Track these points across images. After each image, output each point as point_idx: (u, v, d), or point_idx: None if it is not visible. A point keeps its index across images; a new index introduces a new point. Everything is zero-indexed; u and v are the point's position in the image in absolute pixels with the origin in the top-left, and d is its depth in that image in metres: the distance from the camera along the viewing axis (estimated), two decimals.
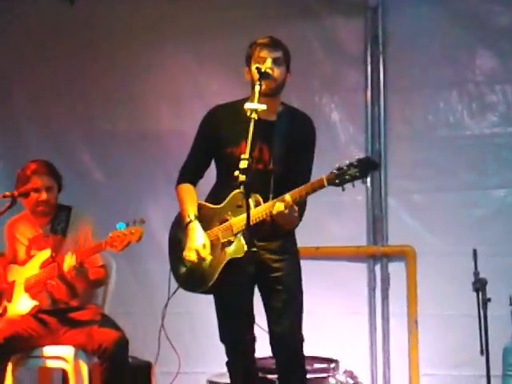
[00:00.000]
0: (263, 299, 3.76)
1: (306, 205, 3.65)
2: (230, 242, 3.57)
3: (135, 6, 5.71)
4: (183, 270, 3.76)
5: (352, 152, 5.36)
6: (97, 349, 4.09)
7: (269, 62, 3.60)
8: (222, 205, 3.66)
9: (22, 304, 4.31)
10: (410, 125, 5.32)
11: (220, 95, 5.50)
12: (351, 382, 4.80)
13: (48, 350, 4.29)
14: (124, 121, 5.84)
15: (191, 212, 3.70)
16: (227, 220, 3.61)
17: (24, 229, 4.47)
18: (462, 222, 5.15)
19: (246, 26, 5.46)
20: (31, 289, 4.31)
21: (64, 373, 4.39)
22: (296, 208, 3.46)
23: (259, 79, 3.51)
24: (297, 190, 3.43)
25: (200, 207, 3.74)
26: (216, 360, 4.12)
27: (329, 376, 4.44)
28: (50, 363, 4.30)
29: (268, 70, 3.57)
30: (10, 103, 5.97)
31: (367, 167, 3.32)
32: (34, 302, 4.30)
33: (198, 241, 3.60)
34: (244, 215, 3.31)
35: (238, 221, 3.54)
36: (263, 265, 3.67)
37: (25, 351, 4.27)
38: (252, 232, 3.34)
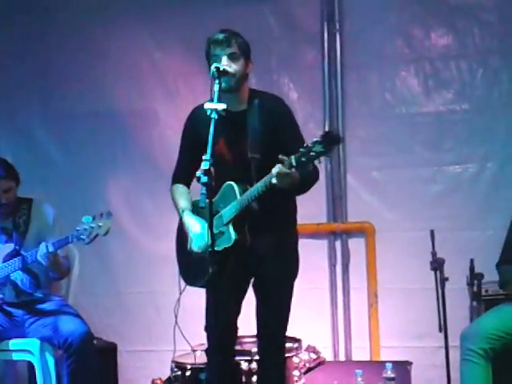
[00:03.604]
0: (256, 291, 3.83)
1: (316, 173, 3.68)
2: (221, 233, 3.59)
3: None
4: (186, 265, 3.83)
5: (311, 130, 5.38)
6: (62, 343, 4.10)
7: (224, 60, 3.58)
8: (215, 198, 3.65)
9: None
10: (367, 102, 5.36)
11: (178, 73, 5.60)
12: (314, 357, 4.92)
13: (14, 344, 4.29)
14: (82, 100, 5.75)
15: (182, 205, 3.80)
16: (218, 212, 3.65)
17: None
18: (419, 199, 5.23)
19: (204, 2, 5.45)
20: None
21: (29, 365, 4.42)
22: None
23: (217, 78, 3.50)
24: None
25: (194, 204, 3.78)
26: (180, 339, 4.21)
27: (293, 355, 4.50)
28: (17, 356, 4.31)
29: (225, 68, 3.54)
30: None
31: (331, 142, 3.29)
32: None
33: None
34: (232, 204, 3.58)
35: (228, 210, 3.60)
36: (257, 257, 3.72)
37: None
38: (242, 219, 3.58)
